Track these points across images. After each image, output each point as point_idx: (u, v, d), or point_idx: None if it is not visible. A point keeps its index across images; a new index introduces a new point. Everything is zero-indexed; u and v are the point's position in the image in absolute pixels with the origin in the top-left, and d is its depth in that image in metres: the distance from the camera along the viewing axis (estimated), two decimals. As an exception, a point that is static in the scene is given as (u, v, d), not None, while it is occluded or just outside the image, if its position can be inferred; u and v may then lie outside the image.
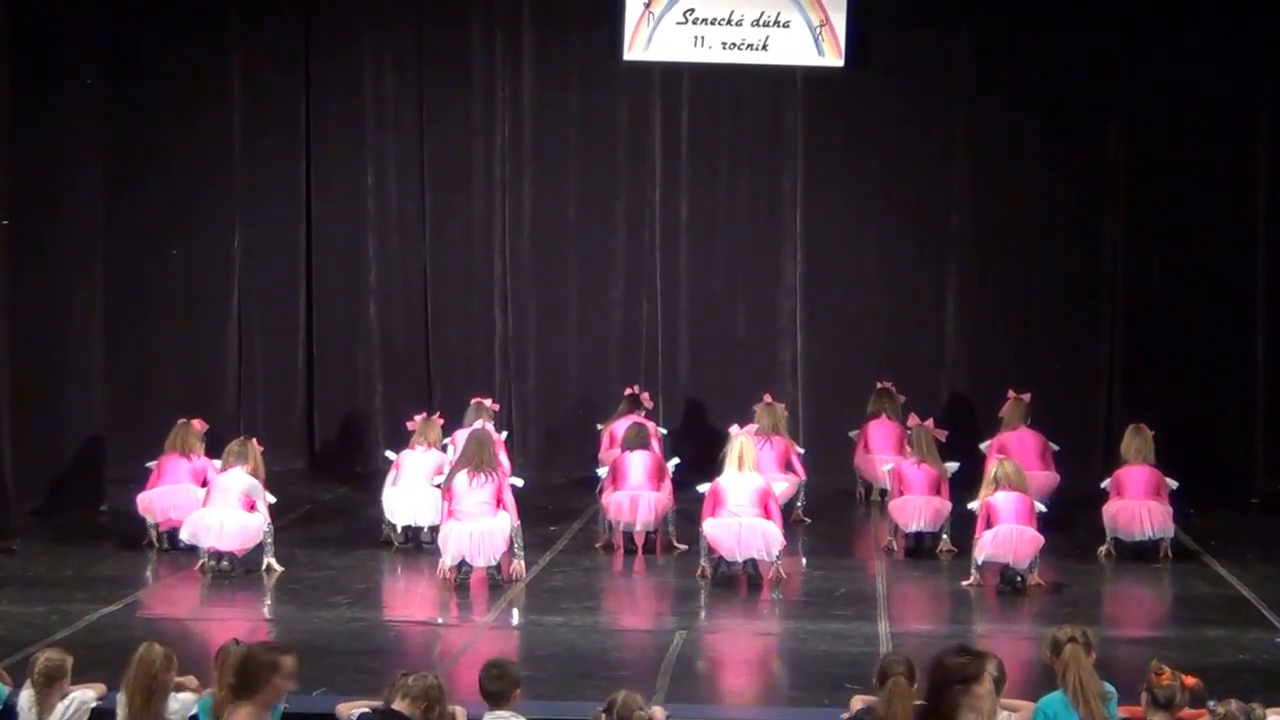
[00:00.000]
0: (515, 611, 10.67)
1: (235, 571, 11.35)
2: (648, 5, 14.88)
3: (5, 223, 12.30)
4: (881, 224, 15.19)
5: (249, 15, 15.10)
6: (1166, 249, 14.88)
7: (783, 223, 15.25)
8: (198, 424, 12.37)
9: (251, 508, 11.42)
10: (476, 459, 11.21)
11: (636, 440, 12.37)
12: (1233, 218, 14.82)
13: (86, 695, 7.58)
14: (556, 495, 14.10)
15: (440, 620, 10.52)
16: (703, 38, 14.89)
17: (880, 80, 15.03)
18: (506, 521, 11.10)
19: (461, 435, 12.27)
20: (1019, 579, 11.11)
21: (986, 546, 11.10)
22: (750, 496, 11.25)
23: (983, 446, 13.17)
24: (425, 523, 12.04)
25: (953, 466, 12.35)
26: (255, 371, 15.36)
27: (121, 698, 7.26)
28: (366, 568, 11.77)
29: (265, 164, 15.26)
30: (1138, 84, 14.82)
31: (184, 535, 11.53)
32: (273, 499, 11.64)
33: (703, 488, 11.54)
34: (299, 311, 15.42)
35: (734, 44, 14.87)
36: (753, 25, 14.83)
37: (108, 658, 8.35)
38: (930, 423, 12.56)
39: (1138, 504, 11.95)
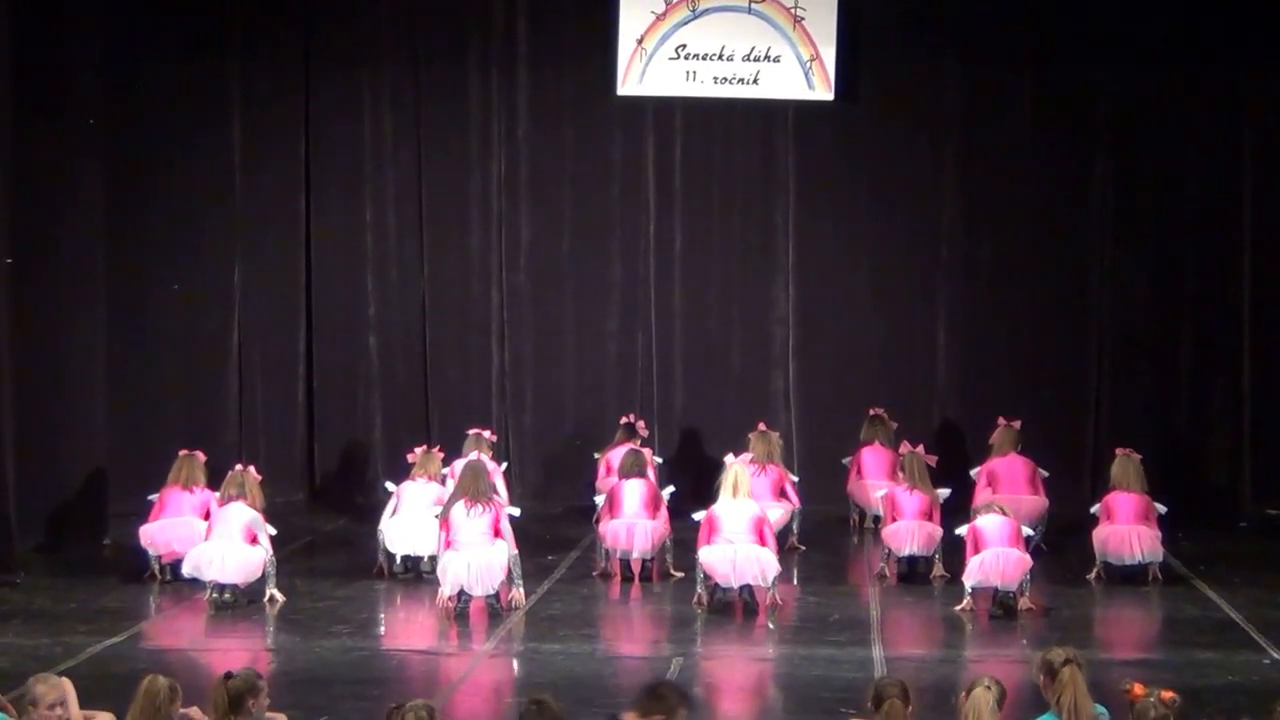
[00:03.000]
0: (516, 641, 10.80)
1: (239, 603, 11.47)
2: (640, 41, 15.05)
3: (9, 261, 12.44)
4: (872, 255, 15.34)
5: (248, 53, 15.25)
6: (1153, 277, 15.05)
7: (775, 254, 15.40)
8: (200, 456, 12.50)
9: (253, 540, 11.55)
10: (473, 489, 11.34)
11: (633, 469, 12.51)
12: (1218, 247, 14.99)
13: (90, 723, 7.67)
14: (554, 524, 14.22)
15: (440, 649, 10.65)
16: (695, 72, 15.06)
17: (870, 113, 15.20)
18: (504, 551, 11.23)
19: (460, 466, 12.41)
20: (1011, 598, 11.24)
21: (975, 572, 11.25)
22: (745, 524, 11.38)
23: (973, 473, 13.31)
24: (425, 552, 12.15)
25: (944, 493, 12.50)
26: (256, 404, 15.47)
27: (126, 730, 7.37)
28: (367, 598, 11.89)
29: (265, 199, 15.41)
30: (1124, 115, 15.00)
31: (186, 569, 11.64)
32: (273, 531, 11.76)
33: (698, 515, 11.67)
34: (299, 345, 15.55)
35: (725, 78, 15.03)
36: (744, 60, 15.00)
37: (112, 689, 8.44)
38: (921, 449, 12.71)
39: (1127, 529, 12.09)
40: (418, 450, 12.80)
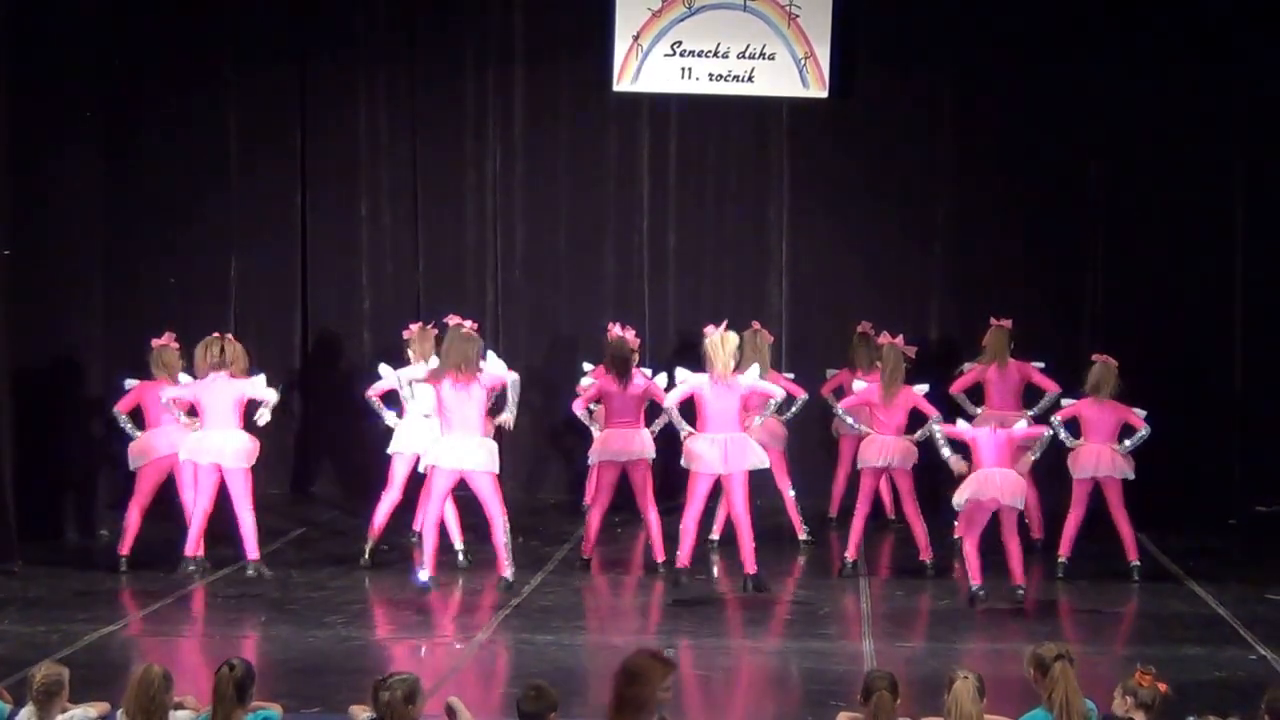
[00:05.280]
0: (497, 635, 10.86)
1: (205, 571, 11.53)
2: (636, 37, 15.13)
3: (7, 252, 12.50)
4: (865, 252, 15.42)
5: (244, 47, 15.33)
6: (1145, 275, 15.12)
7: (768, 251, 15.48)
8: (174, 346, 12.32)
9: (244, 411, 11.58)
10: (460, 361, 11.18)
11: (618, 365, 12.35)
12: (1211, 248, 15.07)
13: (88, 714, 7.65)
14: (546, 516, 14.31)
15: (433, 639, 10.73)
16: (690, 69, 15.14)
17: (863, 111, 15.28)
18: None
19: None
20: (1019, 593, 11.24)
21: (968, 487, 11.12)
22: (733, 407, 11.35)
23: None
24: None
25: (923, 388, 12.33)
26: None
27: (121, 717, 7.39)
28: (360, 588, 11.96)
29: (261, 193, 15.48)
30: (1118, 116, 15.08)
31: (183, 455, 11.74)
32: (274, 396, 11.76)
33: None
34: (295, 338, 15.62)
35: (720, 75, 15.12)
36: (739, 57, 15.08)
37: (107, 677, 8.52)
38: (900, 340, 12.53)
39: (1098, 447, 12.10)
40: (413, 326, 12.74)
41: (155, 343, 12.44)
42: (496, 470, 11.40)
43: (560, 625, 10.87)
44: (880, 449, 12.18)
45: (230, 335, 12.17)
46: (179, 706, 7.55)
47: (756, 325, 13.47)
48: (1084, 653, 9.07)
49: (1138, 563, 12.20)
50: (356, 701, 8.25)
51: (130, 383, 12.43)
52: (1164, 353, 15.05)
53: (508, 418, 11.47)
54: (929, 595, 11.79)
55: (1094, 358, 12.45)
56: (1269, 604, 11.60)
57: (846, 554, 12.34)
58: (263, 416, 11.95)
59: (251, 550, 11.95)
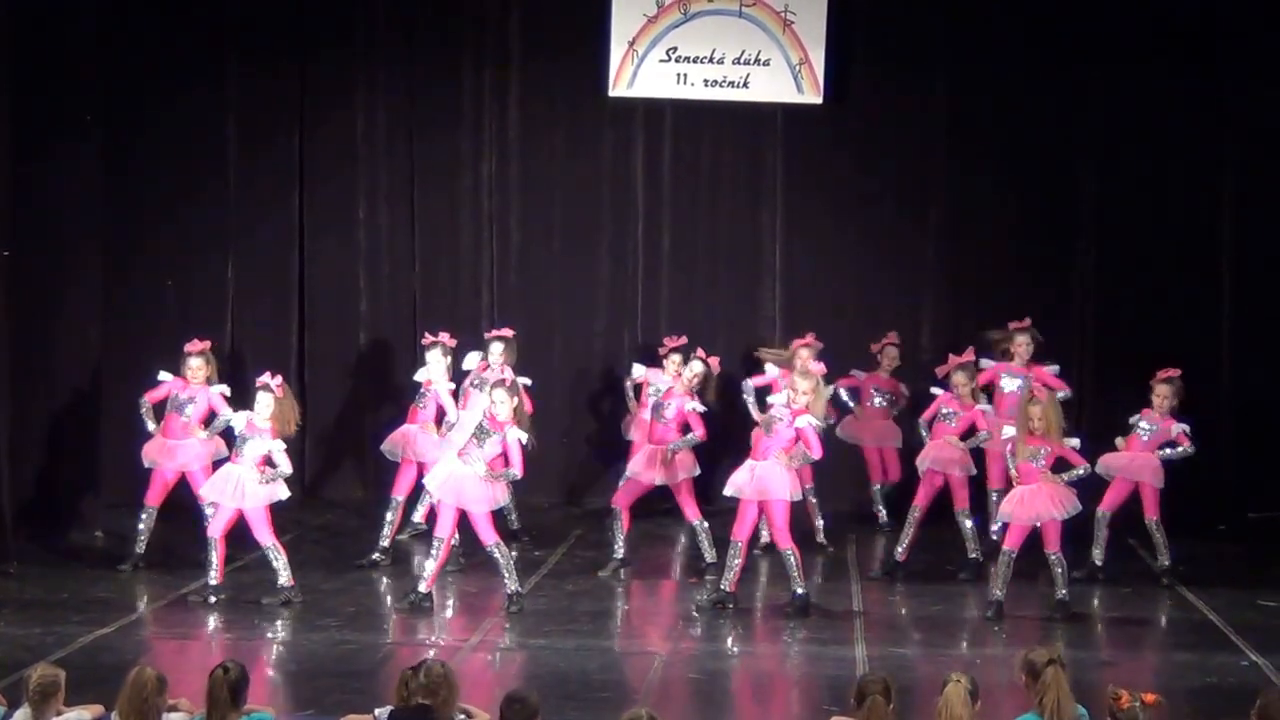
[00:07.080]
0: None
1: (220, 598, 11.51)
2: (632, 43, 15.17)
3: (6, 254, 12.53)
4: (858, 257, 15.45)
5: (243, 49, 15.35)
6: (1135, 283, 15.15)
7: (762, 256, 15.51)
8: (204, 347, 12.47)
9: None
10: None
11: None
12: (1202, 253, 15.11)
13: (83, 716, 7.64)
14: (540, 520, 14.33)
15: (427, 643, 10.76)
16: (685, 75, 15.17)
17: (858, 117, 15.31)
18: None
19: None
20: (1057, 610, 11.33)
21: (1012, 503, 11.24)
22: None
23: None
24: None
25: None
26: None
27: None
28: (356, 591, 11.99)
29: (259, 195, 15.49)
30: (1110, 123, 15.12)
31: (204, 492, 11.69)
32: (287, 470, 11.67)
33: None
34: (292, 340, 15.63)
35: (716, 81, 15.15)
36: (734, 63, 15.12)
37: (102, 679, 8.53)
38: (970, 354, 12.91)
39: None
40: (443, 336, 12.91)
41: (190, 347, 12.52)
42: (489, 510, 11.43)
43: (553, 629, 10.90)
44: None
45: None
46: (173, 709, 7.56)
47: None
48: (1076, 658, 9.11)
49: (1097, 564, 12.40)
50: (351, 705, 8.29)
51: (164, 376, 12.47)
52: (1154, 357, 15.06)
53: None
54: (923, 599, 11.82)
55: (1161, 374, 12.58)
56: (1260, 610, 11.66)
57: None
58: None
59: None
